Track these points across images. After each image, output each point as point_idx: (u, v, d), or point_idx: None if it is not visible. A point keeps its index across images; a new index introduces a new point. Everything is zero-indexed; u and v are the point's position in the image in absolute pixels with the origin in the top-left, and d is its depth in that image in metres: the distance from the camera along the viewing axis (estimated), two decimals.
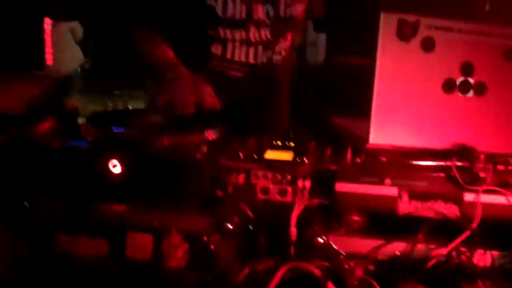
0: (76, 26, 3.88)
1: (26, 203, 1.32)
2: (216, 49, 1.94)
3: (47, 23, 3.76)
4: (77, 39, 3.32)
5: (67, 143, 1.44)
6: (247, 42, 1.95)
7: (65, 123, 1.63)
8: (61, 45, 3.43)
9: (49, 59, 3.72)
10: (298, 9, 1.97)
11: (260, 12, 1.92)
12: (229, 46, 1.94)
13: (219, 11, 1.87)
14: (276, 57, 2.01)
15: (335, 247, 1.19)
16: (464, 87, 1.35)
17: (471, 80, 1.35)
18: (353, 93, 1.73)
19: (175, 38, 1.92)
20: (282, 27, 1.98)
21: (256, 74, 1.98)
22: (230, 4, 1.88)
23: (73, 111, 1.74)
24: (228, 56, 1.95)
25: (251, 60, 1.96)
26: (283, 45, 2.02)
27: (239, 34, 1.92)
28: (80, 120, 1.70)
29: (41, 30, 3.74)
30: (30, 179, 1.35)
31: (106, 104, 3.79)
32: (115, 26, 2.12)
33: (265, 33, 1.96)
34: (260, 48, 1.96)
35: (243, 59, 1.96)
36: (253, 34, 1.94)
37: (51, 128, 1.47)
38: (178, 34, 1.94)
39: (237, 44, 1.94)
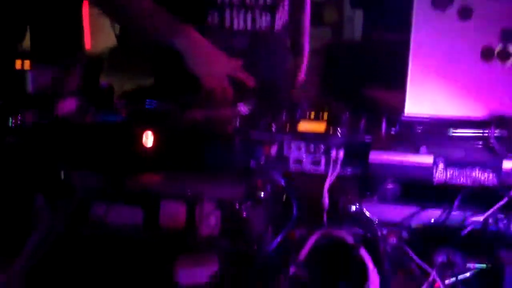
0: None
1: (62, 176, 1.34)
2: (213, 19, 1.84)
3: (86, 6, 3.82)
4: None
5: (102, 118, 1.45)
6: (244, 6, 1.84)
7: (100, 100, 1.66)
8: (97, 27, 3.47)
9: (87, 43, 3.78)
10: None
11: None
12: (227, 14, 1.84)
13: None
14: (277, 23, 1.93)
15: (368, 214, 1.18)
16: (503, 55, 1.32)
17: (511, 47, 1.31)
18: (389, 68, 1.70)
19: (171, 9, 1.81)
20: None
21: (258, 42, 1.89)
22: None
23: (108, 89, 1.76)
24: (227, 25, 1.85)
25: (250, 26, 1.87)
26: (285, 11, 1.95)
27: None
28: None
29: (80, 14, 3.79)
30: (66, 153, 1.37)
31: (141, 85, 3.82)
32: None
33: None
34: (257, 12, 1.87)
35: (242, 27, 1.86)
36: None
37: (76, 106, 1.48)
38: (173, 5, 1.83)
39: (235, 10, 1.84)
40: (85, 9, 3.68)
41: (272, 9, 1.89)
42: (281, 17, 1.95)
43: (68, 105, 1.54)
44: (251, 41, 1.89)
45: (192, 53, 1.66)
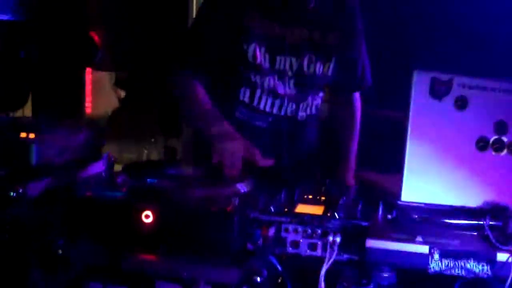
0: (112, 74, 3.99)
1: (60, 251, 1.34)
2: (245, 95, 1.98)
3: (88, 72, 3.90)
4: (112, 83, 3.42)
5: (102, 193, 1.46)
6: (274, 92, 1.98)
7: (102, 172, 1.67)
8: (97, 91, 3.53)
9: (88, 108, 3.84)
10: (321, 68, 2.00)
11: (282, 63, 1.95)
12: (258, 92, 1.97)
13: (250, 57, 1.92)
14: (301, 114, 2.05)
15: None
16: (498, 146, 1.35)
17: (505, 139, 1.35)
18: (386, 148, 1.73)
19: (207, 81, 1.97)
20: (306, 84, 2.01)
21: (280, 125, 2.01)
22: (257, 52, 1.92)
23: (110, 161, 1.78)
24: (255, 103, 1.98)
25: (275, 110, 2.00)
26: (311, 103, 2.06)
27: (267, 82, 1.96)
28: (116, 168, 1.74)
29: (82, 80, 3.87)
30: (64, 227, 1.38)
31: (141, 152, 3.86)
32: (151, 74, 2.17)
33: (290, 86, 1.98)
34: (286, 99, 1.99)
35: (268, 109, 1.99)
36: (279, 85, 1.97)
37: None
38: (211, 76, 1.98)
39: (265, 92, 1.97)
40: (88, 75, 3.75)
41: (297, 100, 2.02)
42: (306, 110, 2.06)
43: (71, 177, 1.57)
44: (273, 122, 2.01)
45: (217, 136, 1.80)
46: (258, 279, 1.22)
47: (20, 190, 1.43)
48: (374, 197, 1.42)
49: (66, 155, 1.66)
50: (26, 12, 3.56)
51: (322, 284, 1.22)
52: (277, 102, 1.99)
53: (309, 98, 2.05)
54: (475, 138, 1.35)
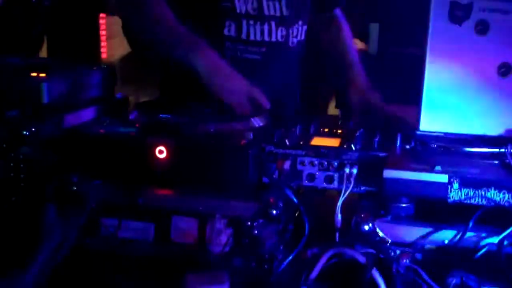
0: None
1: (74, 188, 1.34)
2: (230, 30, 1.84)
3: (102, 17, 3.86)
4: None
5: (116, 130, 1.45)
6: (260, 18, 1.84)
7: (115, 111, 1.66)
8: (111, 35, 3.50)
9: (103, 53, 3.82)
10: None
11: None
12: (244, 22, 1.83)
13: None
14: (292, 39, 1.93)
15: (381, 234, 1.16)
16: None
17: None
18: (405, 82, 1.69)
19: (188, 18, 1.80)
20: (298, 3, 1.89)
21: (274, 54, 1.89)
22: None
23: (123, 100, 1.76)
24: (244, 36, 1.85)
25: (266, 38, 1.87)
26: (301, 28, 1.94)
27: (251, 5, 1.82)
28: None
29: (96, 24, 3.84)
30: (79, 164, 1.37)
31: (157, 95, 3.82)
32: None
33: (280, 5, 1.86)
34: (273, 24, 1.87)
35: (258, 37, 1.86)
36: (266, 5, 1.84)
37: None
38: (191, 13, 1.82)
39: (251, 21, 1.84)
40: (102, 20, 3.72)
41: (288, 24, 1.90)
42: (296, 35, 1.94)
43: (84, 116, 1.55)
44: (266, 52, 1.89)
45: (212, 72, 1.65)
46: (274, 212, 1.21)
47: (33, 129, 1.42)
48: (392, 128, 1.39)
49: (78, 94, 1.64)
50: None
51: (339, 216, 1.20)
52: (266, 27, 1.85)
53: (300, 22, 1.93)
54: (497, 63, 1.30)
